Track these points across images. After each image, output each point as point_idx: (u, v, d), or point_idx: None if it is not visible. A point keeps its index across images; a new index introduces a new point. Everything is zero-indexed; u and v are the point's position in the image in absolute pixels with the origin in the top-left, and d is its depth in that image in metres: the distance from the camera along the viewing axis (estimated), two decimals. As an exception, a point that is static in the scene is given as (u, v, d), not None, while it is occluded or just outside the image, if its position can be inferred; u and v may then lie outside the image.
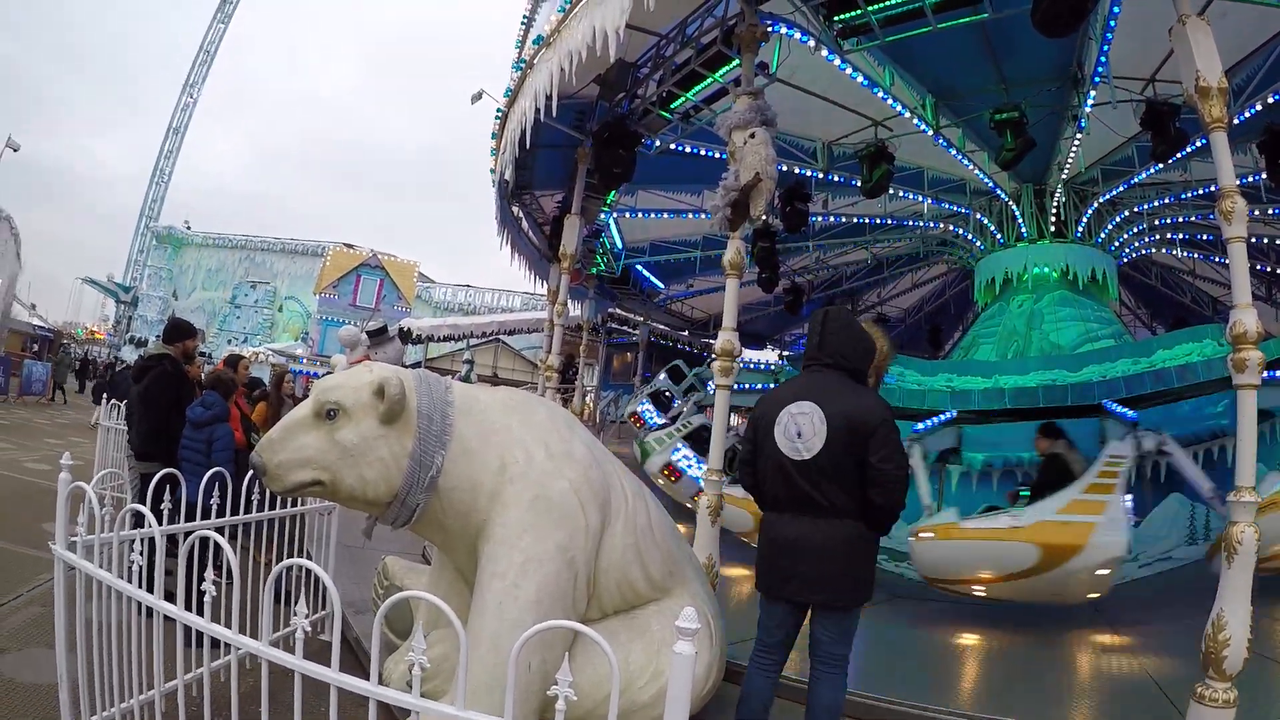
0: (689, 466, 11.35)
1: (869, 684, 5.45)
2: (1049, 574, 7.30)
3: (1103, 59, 9.57)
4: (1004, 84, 10.74)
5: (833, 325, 4.44)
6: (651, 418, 13.85)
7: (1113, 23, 8.88)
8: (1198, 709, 4.55)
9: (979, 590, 7.77)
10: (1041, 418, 10.38)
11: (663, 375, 15.75)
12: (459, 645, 2.45)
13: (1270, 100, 10.10)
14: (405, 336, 27.22)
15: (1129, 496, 7.75)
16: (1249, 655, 4.59)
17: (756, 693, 4.23)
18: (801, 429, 4.17)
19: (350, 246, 54.04)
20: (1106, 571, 7.33)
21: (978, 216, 15.21)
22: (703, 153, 11.52)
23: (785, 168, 12.28)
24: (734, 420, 12.86)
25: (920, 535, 7.90)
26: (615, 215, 15.32)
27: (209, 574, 3.22)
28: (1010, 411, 11.24)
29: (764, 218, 13.70)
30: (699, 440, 11.61)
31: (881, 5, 8.08)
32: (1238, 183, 11.56)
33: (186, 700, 3.67)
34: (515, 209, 12.71)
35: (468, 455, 4.08)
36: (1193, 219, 15.29)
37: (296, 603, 2.76)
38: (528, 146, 9.16)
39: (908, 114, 11.16)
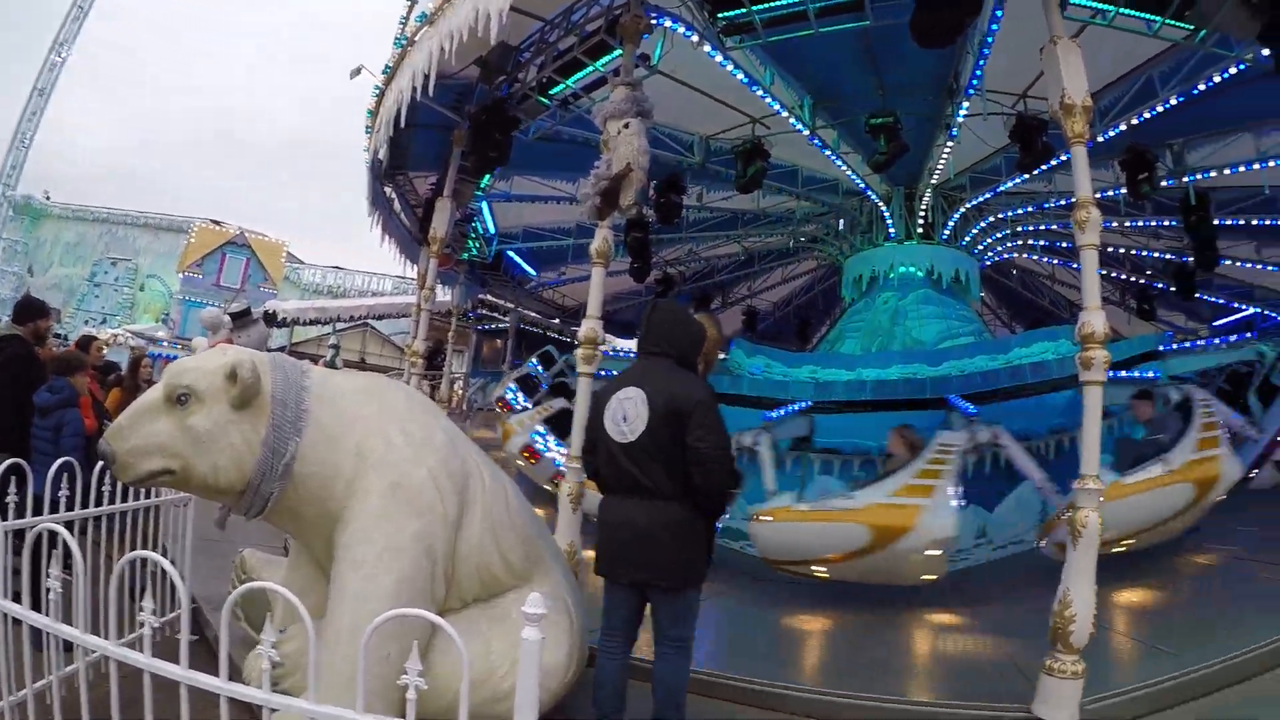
0: (547, 449, 11.32)
1: (723, 662, 5.68)
2: (880, 554, 7.59)
3: (978, 72, 9.94)
4: (882, 90, 11.00)
5: (660, 316, 4.62)
6: (518, 401, 13.77)
7: (990, 39, 9.21)
8: (1047, 680, 4.87)
9: (819, 570, 8.02)
10: (892, 409, 10.81)
11: (533, 360, 15.69)
12: (324, 640, 2.38)
13: (1134, 122, 10.71)
14: (270, 319, 26.32)
15: (959, 483, 8.12)
16: (1094, 630, 4.90)
17: (606, 679, 4.29)
18: (626, 413, 4.29)
19: (217, 223, 51.63)
20: (937, 553, 7.64)
21: (848, 215, 15.64)
22: (580, 141, 11.44)
23: (662, 160, 12.28)
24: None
25: (759, 518, 8.06)
26: (489, 200, 15.19)
27: (54, 571, 3.05)
28: (864, 403, 11.55)
29: (637, 208, 13.89)
30: (559, 423, 11.62)
31: (765, 5, 8.19)
32: (1099, 196, 12.26)
33: (39, 709, 3.48)
34: (388, 189, 12.44)
35: (324, 442, 3.97)
36: (1053, 227, 15.98)
37: (143, 598, 2.64)
38: (403, 125, 8.96)
39: (785, 113, 11.34)
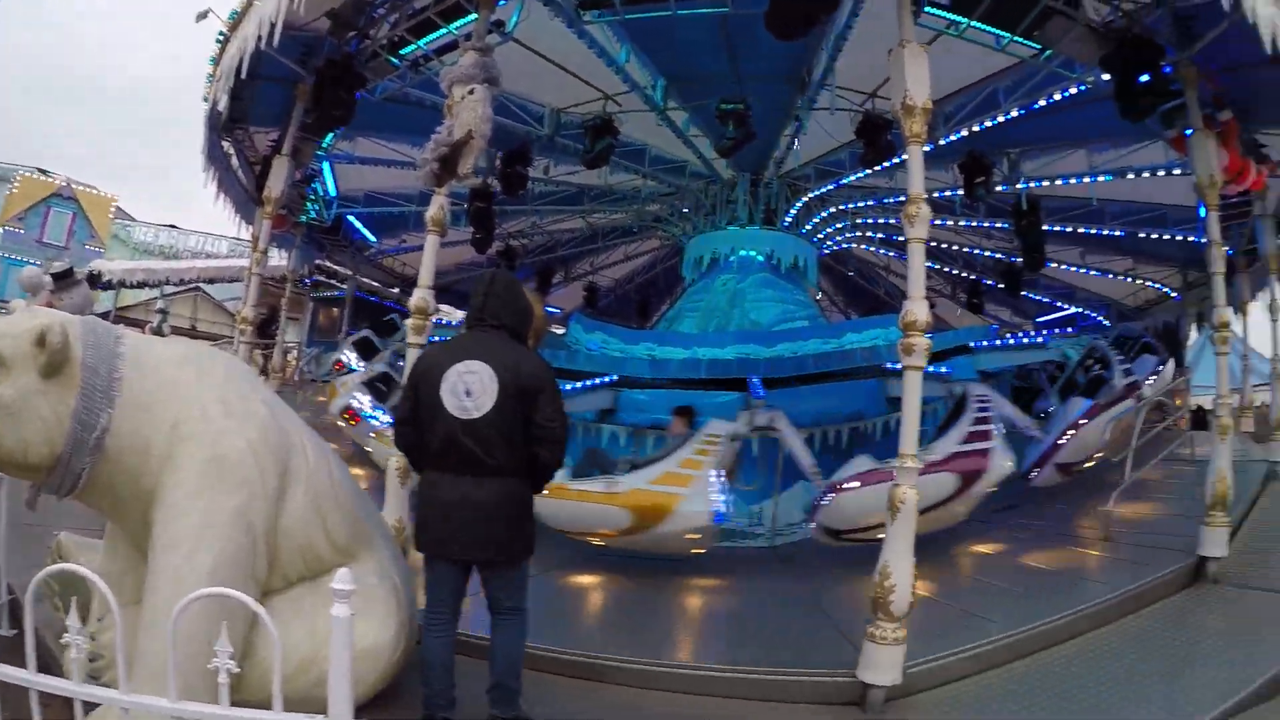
0: (366, 411, 11.16)
1: (552, 636, 5.60)
2: (644, 535, 7.99)
3: (830, 68, 10.10)
4: (736, 77, 11.11)
5: (498, 288, 4.48)
6: (353, 364, 13.51)
7: (845, 37, 9.42)
8: (870, 647, 5.03)
9: (597, 540, 8.37)
10: (700, 388, 11.26)
11: (366, 329, 15.39)
12: (142, 625, 2.22)
13: (975, 129, 11.27)
14: (94, 281, 24.73)
15: (722, 471, 8.39)
16: (914, 599, 5.11)
17: (435, 657, 4.19)
18: (471, 388, 4.14)
19: (44, 173, 47.86)
20: (696, 536, 8.05)
21: (694, 197, 15.85)
22: (428, 105, 11.14)
23: (510, 130, 12.19)
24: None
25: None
26: (331, 161, 14.67)
27: None
28: (668, 380, 11.96)
29: (486, 179, 13.71)
30: (379, 387, 11.55)
31: (626, -18, 8.16)
32: (937, 195, 12.77)
33: None
34: (226, 144, 11.79)
35: (138, 413, 3.68)
36: (891, 221, 16.63)
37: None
38: (244, 76, 8.52)
39: (638, 92, 11.36)
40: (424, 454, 4.30)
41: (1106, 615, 6.38)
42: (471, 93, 6.28)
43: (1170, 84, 7.92)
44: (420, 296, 6.56)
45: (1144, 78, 7.63)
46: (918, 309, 5.34)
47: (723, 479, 8.39)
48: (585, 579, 8.01)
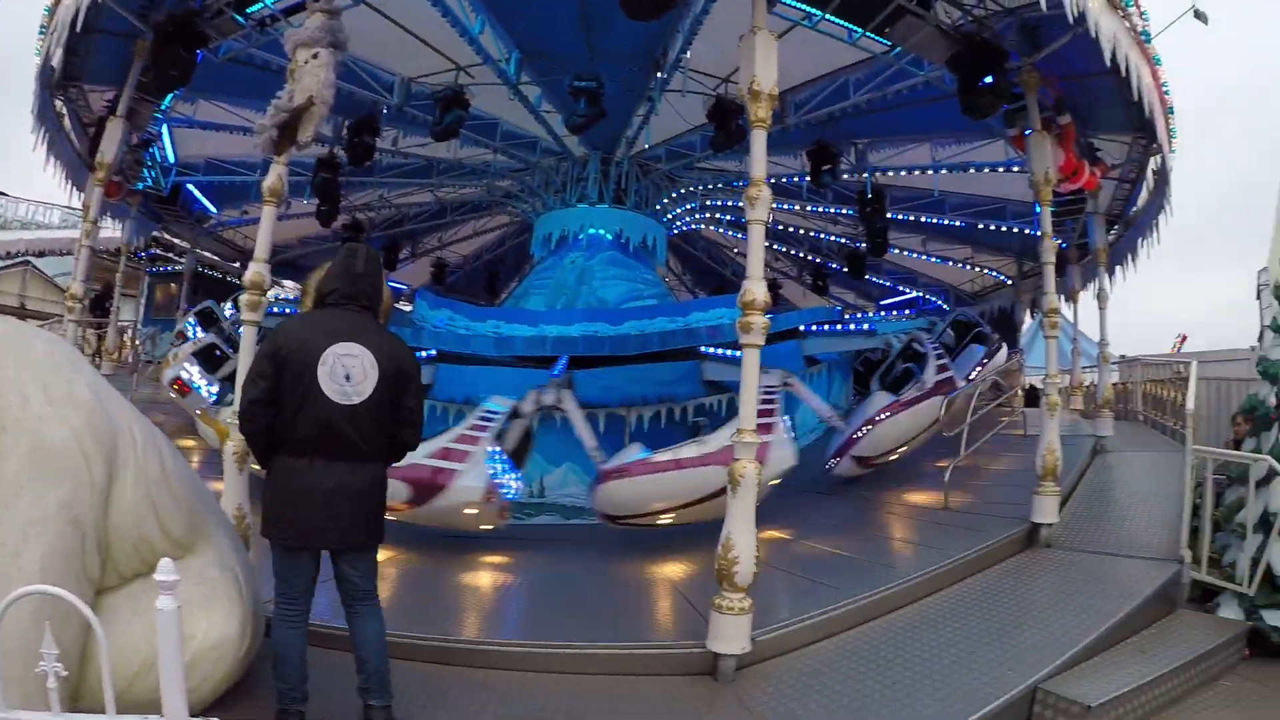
0: (195, 382, 10.81)
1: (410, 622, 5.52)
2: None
3: (685, 51, 10.15)
4: (591, 54, 11.07)
5: (371, 265, 4.32)
6: (194, 335, 13.00)
7: (701, 21, 9.50)
8: (718, 618, 5.15)
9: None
10: (526, 365, 11.42)
11: (210, 301, 14.80)
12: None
13: (825, 118, 11.57)
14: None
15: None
16: (758, 570, 5.24)
17: (293, 649, 4.03)
18: (351, 372, 3.97)
19: None
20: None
21: (544, 174, 15.69)
22: (275, 68, 10.60)
23: (359, 98, 11.87)
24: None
25: None
26: (170, 125, 13.90)
27: None
28: (488, 357, 12.07)
29: (333, 149, 13.28)
30: (208, 357, 11.28)
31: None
32: (785, 180, 12.97)
33: None
34: (58, 103, 11.02)
35: None
36: (739, 204, 16.59)
37: None
38: (79, 29, 7.99)
39: (491, 64, 11.15)
40: (283, 439, 4.02)
41: (946, 579, 6.73)
42: (315, 57, 6.00)
43: (1013, 87, 8.34)
44: (255, 271, 6.22)
45: (988, 79, 7.96)
46: (756, 288, 5.43)
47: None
48: (433, 560, 7.91)
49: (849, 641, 5.74)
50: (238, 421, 4.30)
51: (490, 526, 8.32)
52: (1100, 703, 4.68)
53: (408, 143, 14.57)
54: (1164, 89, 8.91)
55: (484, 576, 7.55)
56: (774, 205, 16.38)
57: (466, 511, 8.06)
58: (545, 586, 7.30)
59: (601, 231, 15.18)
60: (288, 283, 20.17)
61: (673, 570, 7.59)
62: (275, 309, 13.14)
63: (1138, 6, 8.21)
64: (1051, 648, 5.32)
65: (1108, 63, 7.18)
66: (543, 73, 11.89)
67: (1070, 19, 6.76)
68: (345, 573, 4.10)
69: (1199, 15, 10.24)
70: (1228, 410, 12.15)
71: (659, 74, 11.32)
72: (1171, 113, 9.37)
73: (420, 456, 7.74)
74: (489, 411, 8.64)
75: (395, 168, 16.11)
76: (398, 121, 13.31)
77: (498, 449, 8.45)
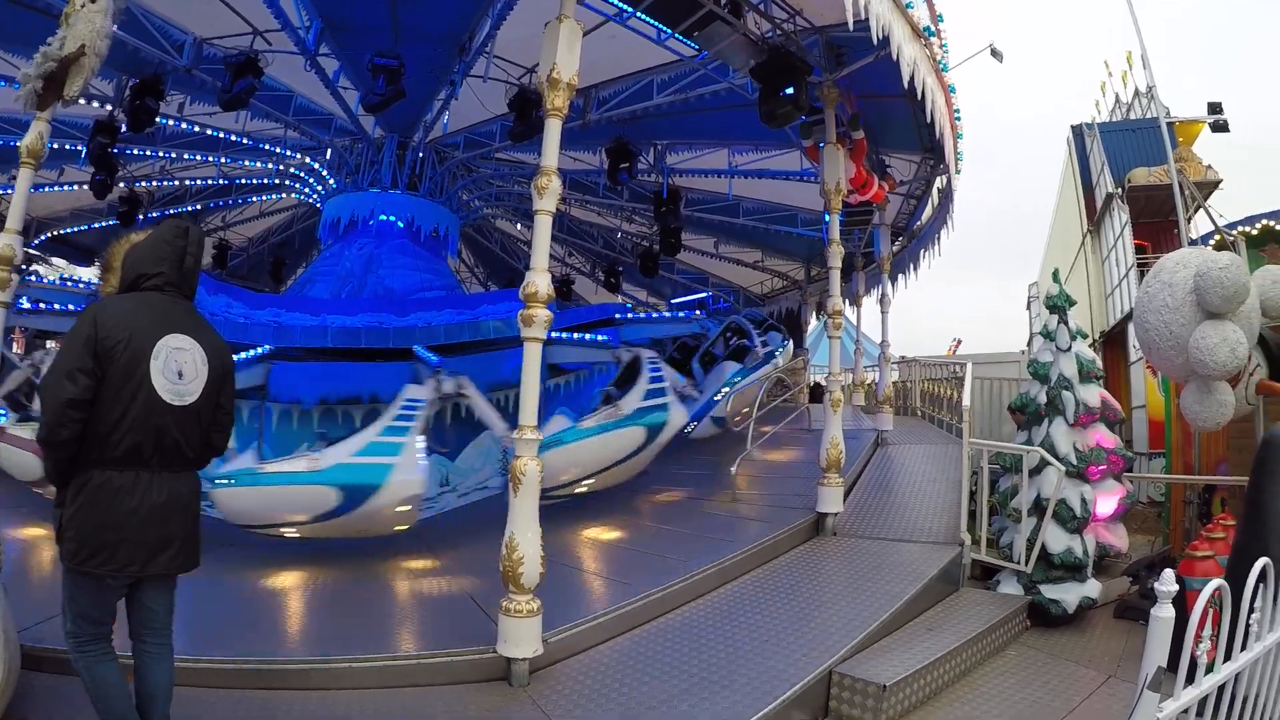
0: None
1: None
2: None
3: (492, 36, 10.03)
4: (395, 30, 10.70)
5: (198, 250, 3.81)
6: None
7: (512, 7, 9.47)
8: (506, 620, 5.09)
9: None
10: (360, 360, 11.21)
11: None
12: None
13: (627, 116, 11.68)
14: None
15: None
16: (544, 569, 5.22)
17: (111, 678, 3.51)
18: (183, 369, 3.54)
19: None
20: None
21: (337, 154, 15.09)
22: (55, 12, 9.68)
23: (144, 55, 10.86)
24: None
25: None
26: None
27: None
28: (329, 351, 11.67)
29: (112, 112, 12.30)
30: None
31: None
32: (583, 175, 13.03)
33: None
34: None
35: None
36: (535, 196, 16.65)
37: None
38: None
39: (289, 32, 10.62)
40: (98, 448, 3.41)
41: (738, 569, 6.97)
42: (94, 1, 5.51)
43: (813, 101, 8.75)
44: (5, 244, 5.49)
45: (789, 91, 8.24)
46: (540, 281, 5.52)
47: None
48: (215, 574, 7.34)
49: (646, 636, 5.81)
50: (41, 432, 3.44)
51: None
52: (894, 681, 4.93)
53: (194, 110, 13.49)
54: (956, 116, 9.64)
55: (263, 588, 7.07)
56: (571, 200, 16.56)
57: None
58: (331, 597, 6.94)
59: (393, 218, 14.72)
60: (58, 260, 18.75)
61: (461, 572, 7.44)
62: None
63: (939, 38, 8.86)
64: (844, 631, 5.56)
65: (905, 86, 7.66)
66: (344, 45, 11.34)
67: (875, 41, 7.15)
68: (149, 602, 3.63)
69: (995, 54, 11.19)
70: (999, 407, 13.28)
71: (463, 57, 11.10)
72: (960, 137, 10.10)
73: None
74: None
75: (180, 137, 14.74)
76: (185, 85, 12.34)
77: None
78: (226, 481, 7.49)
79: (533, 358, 5.47)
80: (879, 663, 5.23)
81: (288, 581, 7.20)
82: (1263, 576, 2.92)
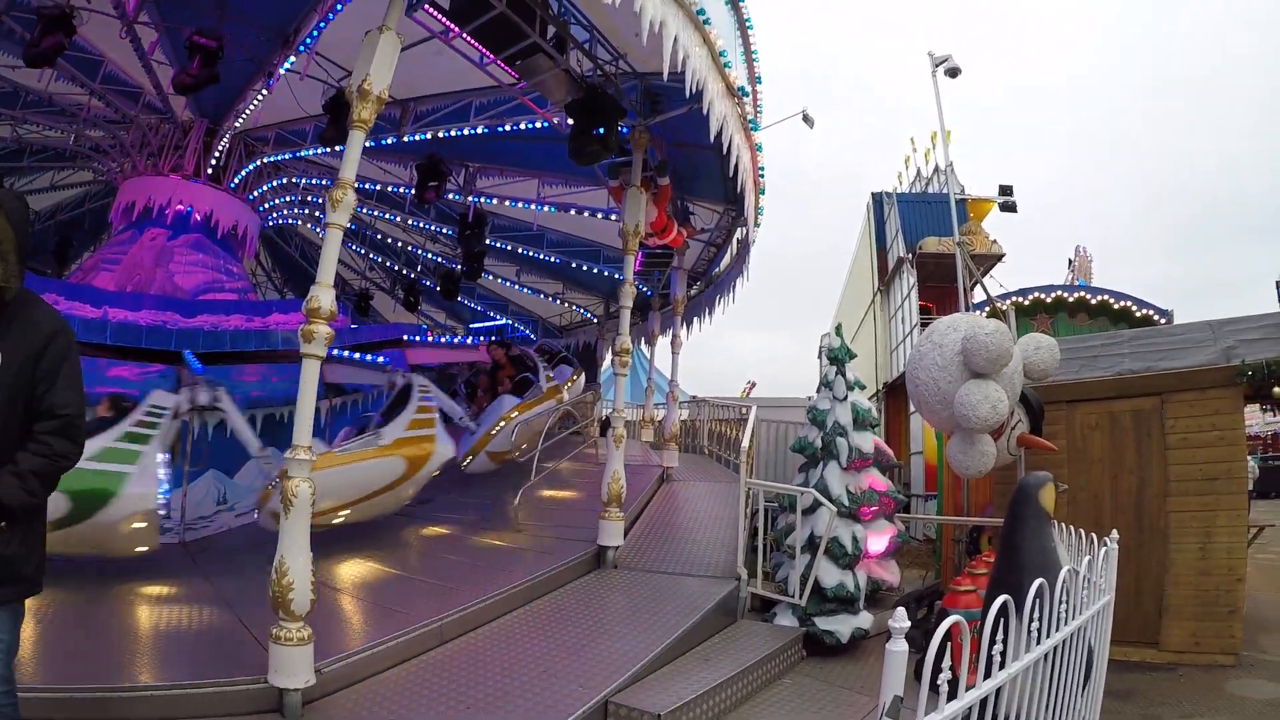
0: None
1: None
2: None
3: (316, 32, 9.80)
4: (221, 10, 10.24)
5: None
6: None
7: (340, 8, 9.24)
8: (277, 649, 4.96)
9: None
10: (133, 359, 10.70)
11: None
12: None
13: (441, 135, 11.55)
14: None
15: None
16: (315, 596, 5.14)
17: None
18: None
19: None
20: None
21: (141, 132, 14.02)
22: None
23: None
24: None
25: None
26: None
27: None
28: (103, 347, 10.89)
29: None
30: None
31: None
32: (391, 189, 12.85)
33: None
34: None
35: None
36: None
37: None
38: None
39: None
40: None
41: (518, 599, 7.10)
42: None
43: (624, 143, 8.98)
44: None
45: (600, 130, 8.40)
46: (323, 296, 5.34)
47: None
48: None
49: (425, 665, 5.81)
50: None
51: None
52: (669, 710, 5.11)
53: None
54: (760, 173, 10.06)
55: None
56: (376, 214, 16.28)
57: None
58: (90, 619, 6.39)
59: (190, 210, 13.90)
60: None
61: (236, 593, 7.08)
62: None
63: (753, 99, 9.26)
64: (622, 662, 5.72)
65: (712, 139, 7.95)
66: (165, 17, 10.72)
67: (689, 94, 7.46)
68: None
69: (806, 119, 11.84)
70: (784, 449, 13.87)
71: (285, 50, 10.60)
72: (763, 193, 10.55)
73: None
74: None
75: None
76: None
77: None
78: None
79: (310, 375, 5.34)
80: (655, 692, 5.39)
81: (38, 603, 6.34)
82: (1004, 611, 3.19)
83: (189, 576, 7.80)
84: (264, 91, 11.85)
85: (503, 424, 11.54)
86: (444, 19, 7.81)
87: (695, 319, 14.76)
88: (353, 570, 8.00)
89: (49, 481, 3.23)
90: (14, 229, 3.25)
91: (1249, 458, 10.13)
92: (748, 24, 9.24)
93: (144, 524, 7.31)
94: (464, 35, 7.96)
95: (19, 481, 3.08)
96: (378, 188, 14.78)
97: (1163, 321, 18.65)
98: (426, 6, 7.56)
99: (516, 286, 18.73)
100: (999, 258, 20.41)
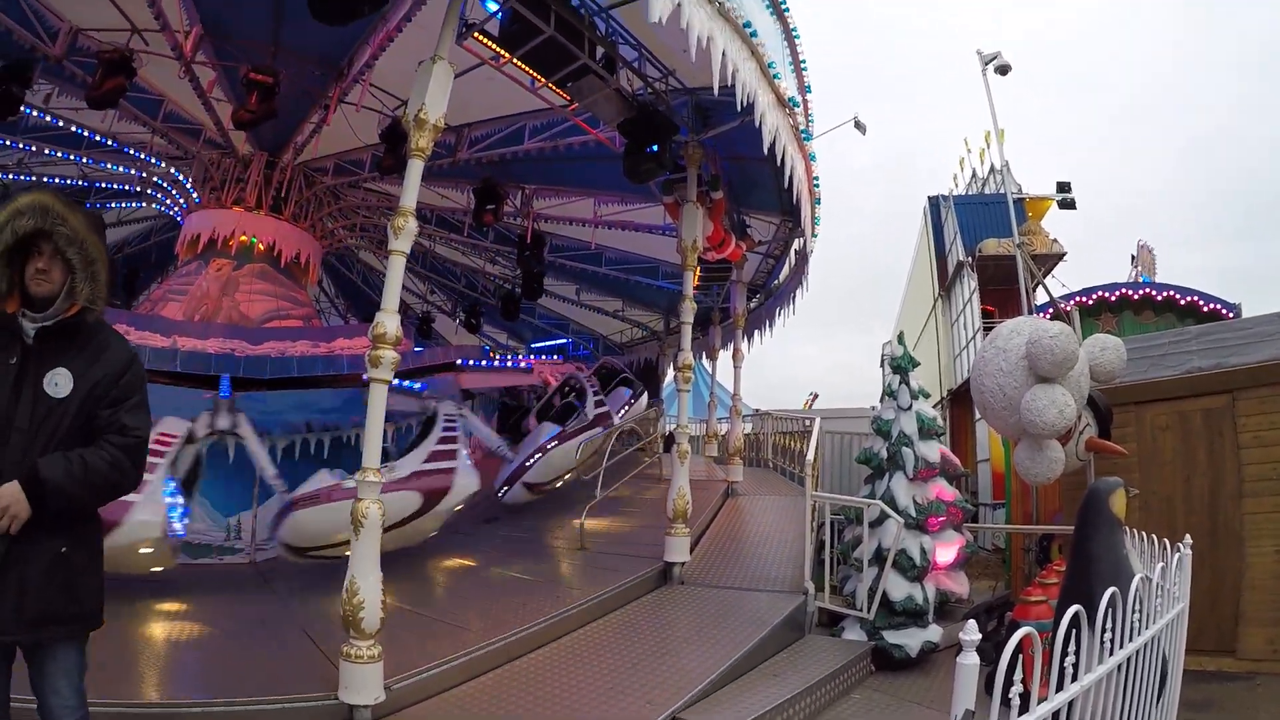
0: None
1: None
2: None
3: (371, 65, 9.98)
4: (276, 47, 10.49)
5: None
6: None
7: (394, 39, 9.41)
8: (347, 667, 5.02)
9: None
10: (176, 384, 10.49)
11: None
12: None
13: (497, 159, 11.76)
14: None
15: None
16: (384, 614, 5.18)
17: None
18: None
19: None
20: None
21: (204, 167, 14.36)
22: None
23: (16, 38, 10.33)
24: None
25: None
26: None
27: None
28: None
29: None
30: None
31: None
32: (450, 214, 12.93)
33: None
34: None
35: None
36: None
37: None
38: None
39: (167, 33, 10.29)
40: None
41: (585, 617, 7.06)
42: None
43: (677, 159, 8.99)
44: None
45: (654, 148, 8.45)
46: (389, 322, 5.41)
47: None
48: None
49: (493, 682, 5.81)
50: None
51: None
52: (739, 727, 5.03)
53: (61, 103, 12.80)
54: (815, 183, 9.96)
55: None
56: (435, 238, 16.46)
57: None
58: (160, 637, 6.58)
59: (254, 240, 14.14)
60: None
61: (304, 613, 7.29)
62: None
63: (805, 109, 9.21)
64: (689, 678, 5.67)
65: (766, 151, 7.91)
66: (221, 56, 11.00)
67: (739, 107, 7.43)
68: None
69: (858, 125, 11.79)
70: (850, 460, 13.71)
71: (340, 82, 10.93)
72: (819, 204, 10.49)
73: None
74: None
75: (42, 130, 13.89)
76: (55, 76, 11.71)
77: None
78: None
79: (378, 399, 5.42)
80: (723, 709, 5.34)
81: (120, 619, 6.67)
82: (1076, 621, 3.13)
83: (259, 595, 7.96)
84: (320, 123, 12.08)
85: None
86: (494, 45, 7.86)
87: (756, 332, 14.72)
88: (418, 589, 8.09)
89: (95, 480, 3.08)
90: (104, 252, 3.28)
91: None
92: (794, 33, 9.22)
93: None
94: (514, 60, 8.02)
95: (66, 462, 3.00)
96: (434, 212, 15.00)
97: (1230, 316, 18.23)
98: (476, 35, 7.57)
99: (577, 305, 18.88)
100: (1060, 257, 20.04)
